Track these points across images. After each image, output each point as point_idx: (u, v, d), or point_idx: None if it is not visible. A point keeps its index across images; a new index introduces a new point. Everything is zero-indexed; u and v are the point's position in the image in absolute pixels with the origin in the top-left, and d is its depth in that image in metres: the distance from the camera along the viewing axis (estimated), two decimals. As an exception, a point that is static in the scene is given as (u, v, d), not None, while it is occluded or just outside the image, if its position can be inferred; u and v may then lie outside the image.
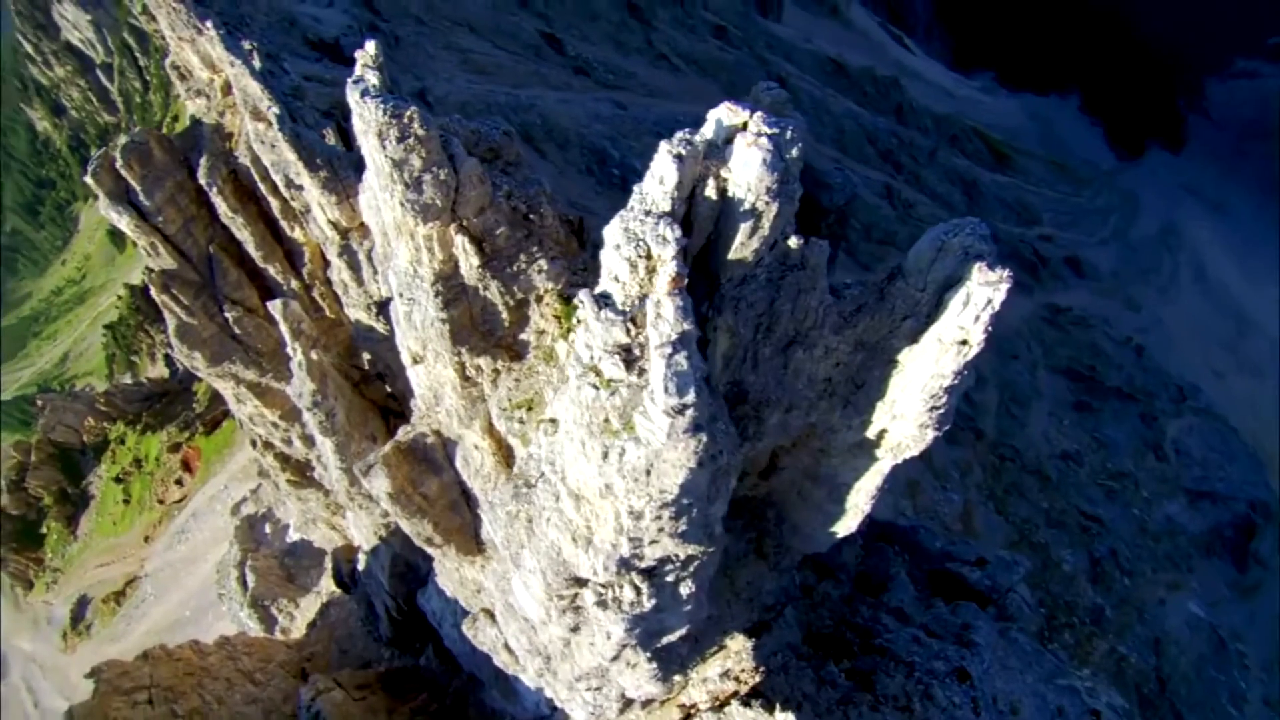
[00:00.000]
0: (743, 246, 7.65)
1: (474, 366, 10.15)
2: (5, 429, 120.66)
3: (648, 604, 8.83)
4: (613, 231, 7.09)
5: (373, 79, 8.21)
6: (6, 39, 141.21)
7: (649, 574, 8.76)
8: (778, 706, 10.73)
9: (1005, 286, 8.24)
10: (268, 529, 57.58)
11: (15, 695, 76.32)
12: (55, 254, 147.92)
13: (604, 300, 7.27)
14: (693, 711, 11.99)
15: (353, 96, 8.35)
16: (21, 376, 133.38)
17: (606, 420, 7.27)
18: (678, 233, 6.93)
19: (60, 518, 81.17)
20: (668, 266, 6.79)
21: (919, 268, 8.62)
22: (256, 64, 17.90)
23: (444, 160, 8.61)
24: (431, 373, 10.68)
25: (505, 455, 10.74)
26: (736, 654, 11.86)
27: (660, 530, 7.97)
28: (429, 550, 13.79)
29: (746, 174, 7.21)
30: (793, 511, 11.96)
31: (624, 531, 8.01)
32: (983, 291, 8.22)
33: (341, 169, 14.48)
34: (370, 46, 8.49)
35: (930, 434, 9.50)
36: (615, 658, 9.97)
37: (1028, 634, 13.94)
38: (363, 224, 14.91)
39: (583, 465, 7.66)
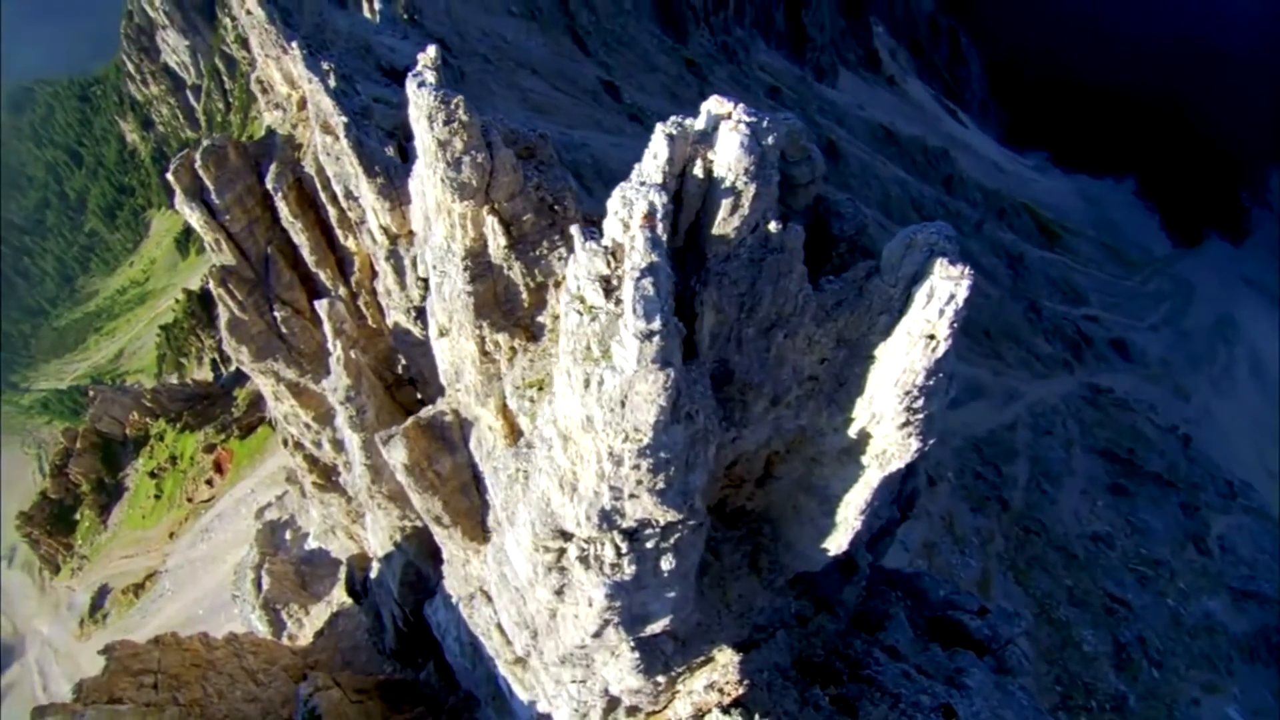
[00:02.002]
0: (724, 223, 8.54)
1: (493, 342, 10.88)
2: (57, 416, 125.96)
3: (628, 570, 9.23)
4: (613, 200, 8.12)
5: (430, 76, 9.30)
6: (114, 59, 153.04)
7: (630, 536, 9.23)
8: (756, 716, 10.70)
9: (966, 282, 8.67)
10: (288, 535, 58.45)
11: (27, 676, 77.58)
12: (125, 255, 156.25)
13: (590, 234, 8.24)
14: (677, 723, 12.01)
15: (410, 87, 9.55)
16: (79, 368, 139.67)
17: (588, 347, 8.05)
18: (664, 198, 7.94)
19: (94, 506, 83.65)
20: (639, 205, 7.78)
21: (891, 264, 9.29)
22: (332, 83, 19.36)
23: (482, 146, 9.75)
24: (455, 347, 11.45)
25: (515, 439, 11.23)
26: (723, 667, 11.85)
27: (639, 484, 8.47)
28: (437, 530, 14.21)
29: (727, 155, 8.18)
30: (788, 527, 12.16)
31: (605, 477, 8.53)
32: (945, 286, 8.68)
33: (397, 178, 15.56)
34: (431, 50, 9.59)
35: (913, 443, 9.71)
36: (598, 634, 10.17)
37: (1029, 693, 13.51)
38: (411, 231, 15.91)
39: (569, 398, 8.31)
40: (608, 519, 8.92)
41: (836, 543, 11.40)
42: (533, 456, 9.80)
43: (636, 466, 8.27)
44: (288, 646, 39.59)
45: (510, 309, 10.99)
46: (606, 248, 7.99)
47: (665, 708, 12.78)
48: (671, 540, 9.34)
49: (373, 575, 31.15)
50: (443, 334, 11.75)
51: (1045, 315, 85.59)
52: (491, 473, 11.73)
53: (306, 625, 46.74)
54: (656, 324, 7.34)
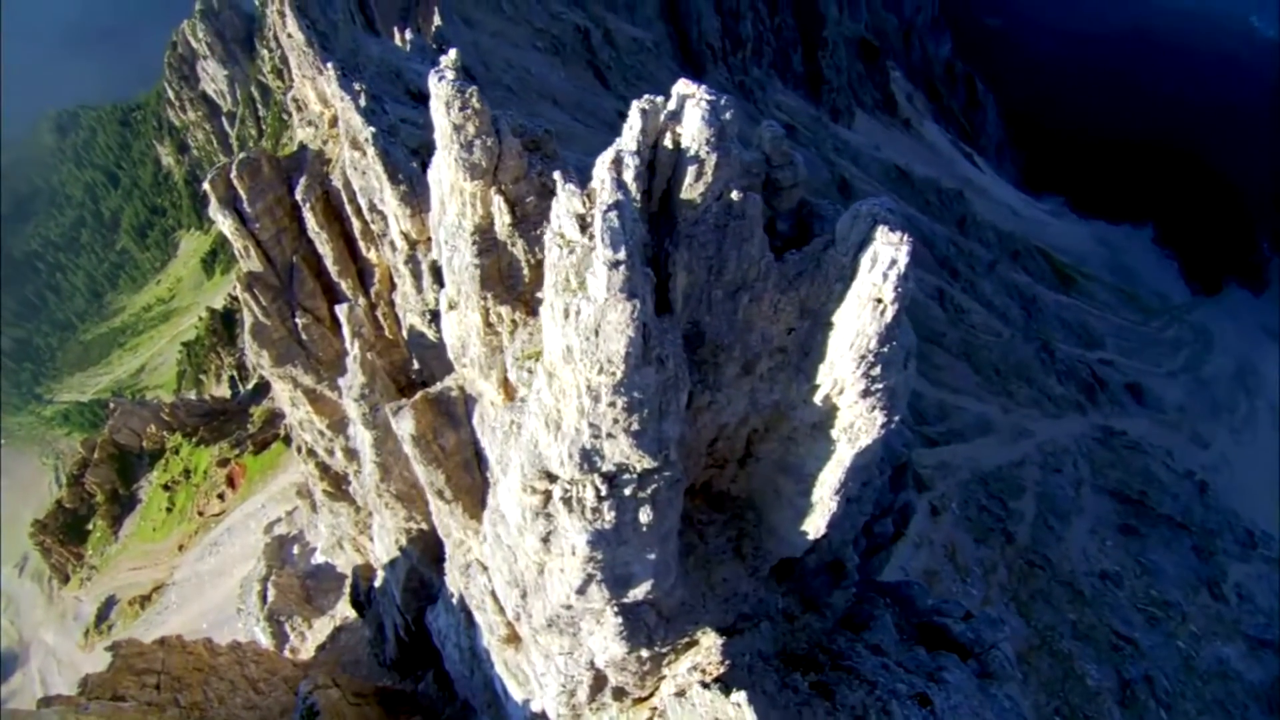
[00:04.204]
0: (691, 188, 9.77)
1: (496, 314, 11.83)
2: (76, 428, 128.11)
3: (608, 516, 9.94)
4: (597, 165, 9.37)
5: (449, 73, 10.47)
6: (155, 86, 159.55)
7: (610, 481, 10.00)
8: (734, 690, 11.03)
9: (906, 248, 9.51)
10: (295, 550, 58.85)
11: (29, 685, 77.73)
12: (153, 274, 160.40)
13: (571, 178, 9.59)
14: (660, 711, 12.30)
15: (432, 80, 10.89)
16: (101, 382, 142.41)
17: (567, 279, 9.16)
18: (637, 161, 9.41)
19: (107, 516, 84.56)
20: (608, 153, 9.19)
21: (843, 235, 10.27)
22: (362, 102, 20.57)
23: (492, 132, 11.05)
24: (463, 320, 12.37)
25: (514, 408, 12.00)
26: (706, 650, 12.24)
27: (615, 422, 9.31)
28: (439, 506, 14.79)
29: (692, 127, 9.50)
30: (770, 511, 12.78)
31: (585, 414, 9.37)
32: (886, 250, 9.58)
33: (418, 186, 16.56)
34: (452, 53, 10.72)
35: (878, 417, 10.36)
36: (582, 590, 10.68)
37: (1015, 700, 13.56)
38: (429, 238, 16.83)
39: (552, 330, 9.29)
40: (588, 459, 9.74)
41: (815, 525, 11.97)
42: (525, 409, 10.67)
43: (613, 404, 9.12)
44: (289, 659, 39.74)
45: (513, 284, 12.06)
46: (584, 190, 9.23)
47: (652, 694, 13.11)
48: (649, 491, 10.07)
49: (377, 584, 31.51)
50: (452, 307, 12.76)
51: (1058, 357, 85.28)
52: (489, 433, 12.61)
53: (309, 638, 46.87)
54: (622, 254, 8.33)
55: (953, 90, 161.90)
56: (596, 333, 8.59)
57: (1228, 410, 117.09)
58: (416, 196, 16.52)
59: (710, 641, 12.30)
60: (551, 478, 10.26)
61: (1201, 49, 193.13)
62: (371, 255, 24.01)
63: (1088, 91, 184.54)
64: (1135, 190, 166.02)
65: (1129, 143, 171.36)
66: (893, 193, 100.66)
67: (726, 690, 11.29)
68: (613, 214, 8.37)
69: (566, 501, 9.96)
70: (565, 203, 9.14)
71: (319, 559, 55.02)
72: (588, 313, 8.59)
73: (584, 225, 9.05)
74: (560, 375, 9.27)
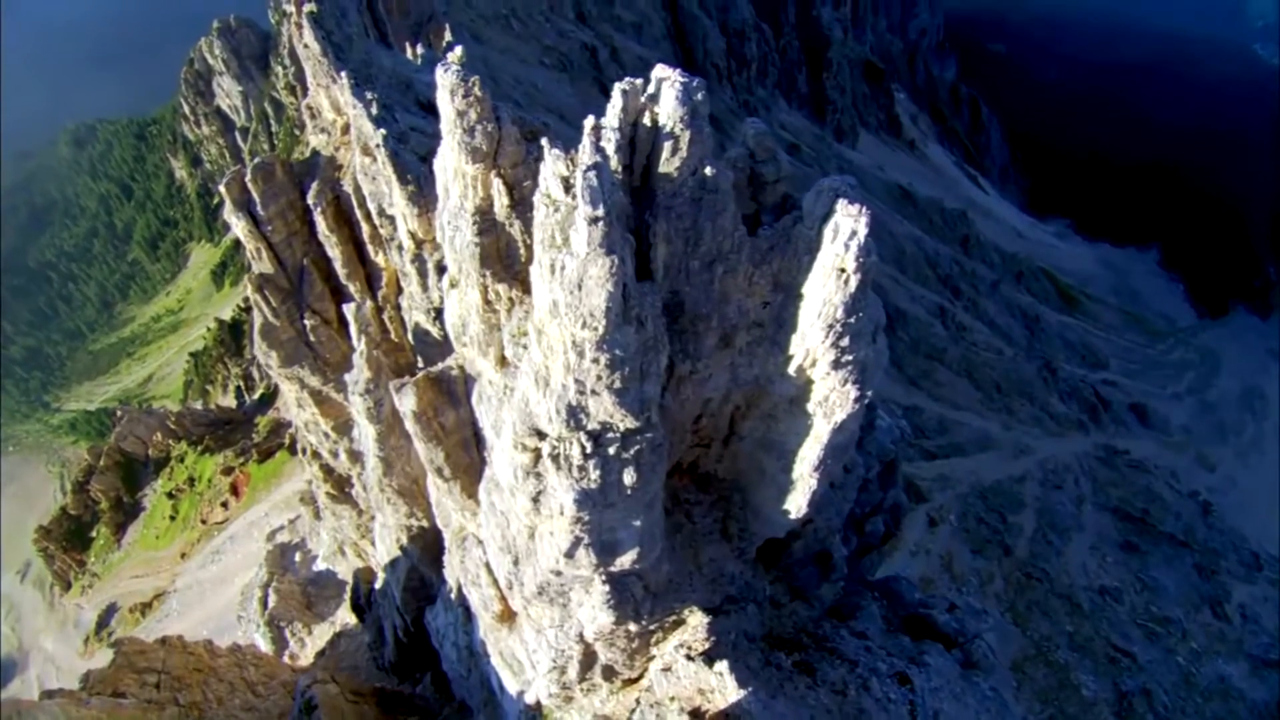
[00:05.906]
0: (668, 163, 10.56)
1: (494, 291, 12.47)
2: (83, 437, 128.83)
3: (594, 474, 10.44)
4: (583, 143, 10.14)
5: (455, 66, 11.18)
6: (171, 101, 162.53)
7: (595, 440, 10.53)
8: (717, 663, 11.35)
9: (865, 219, 10.19)
10: (297, 557, 59.07)
11: (28, 691, 77.55)
12: (163, 285, 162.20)
13: (557, 144, 10.40)
14: (647, 687, 12.60)
15: (439, 72, 11.70)
16: (108, 391, 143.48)
17: (553, 236, 9.92)
18: (618, 135, 10.32)
19: (111, 524, 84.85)
20: (589, 121, 10.10)
21: (809, 210, 11.00)
22: (374, 110, 21.30)
23: (493, 118, 11.97)
24: (463, 298, 13.00)
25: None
26: (694, 628, 12.57)
27: (599, 379, 9.90)
28: (438, 484, 15.19)
29: (667, 106, 10.32)
30: (754, 492, 13.32)
31: (570, 370, 9.98)
32: (846, 222, 10.28)
33: (426, 186, 17.20)
34: (458, 50, 11.41)
35: (851, 390, 10.86)
36: (570, 554, 11.09)
37: (998, 691, 13.75)
38: (435, 238, 17.44)
39: (540, 286, 9.98)
40: (574, 415, 10.31)
41: (796, 503, 12.46)
42: (518, 375, 11.25)
43: (596, 360, 9.72)
44: (289, 664, 39.89)
45: (510, 263, 12.72)
46: (566, 153, 10.11)
47: (641, 675, 13.38)
48: (632, 451, 10.60)
49: (377, 586, 31.77)
50: (453, 285, 13.44)
51: (1061, 376, 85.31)
52: (486, 403, 13.18)
53: (309, 645, 46.96)
54: (600, 210, 9.03)
55: (957, 113, 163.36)
56: (579, 286, 9.25)
57: (1234, 433, 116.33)
58: (424, 196, 17.19)
59: (697, 621, 12.65)
60: (541, 435, 10.81)
61: (1205, 75, 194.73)
62: (379, 259, 24.65)
63: (1092, 116, 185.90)
64: (1140, 214, 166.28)
65: (1134, 166, 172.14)
66: (897, 212, 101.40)
67: (710, 662, 11.64)
68: (592, 174, 9.12)
69: (555, 459, 10.48)
70: (551, 165, 9.95)
71: (320, 566, 55.24)
72: (571, 267, 9.25)
73: (568, 186, 9.81)
74: (548, 331, 9.89)
